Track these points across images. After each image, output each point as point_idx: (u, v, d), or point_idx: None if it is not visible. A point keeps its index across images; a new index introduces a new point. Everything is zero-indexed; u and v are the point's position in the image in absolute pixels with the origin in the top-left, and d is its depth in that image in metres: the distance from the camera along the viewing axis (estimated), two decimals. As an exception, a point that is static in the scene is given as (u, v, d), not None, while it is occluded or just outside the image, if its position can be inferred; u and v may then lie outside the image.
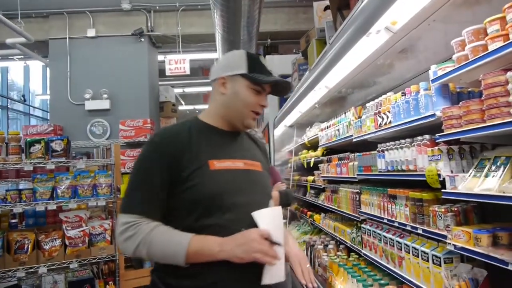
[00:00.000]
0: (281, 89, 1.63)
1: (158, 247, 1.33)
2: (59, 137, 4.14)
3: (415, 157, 2.03)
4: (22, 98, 11.89)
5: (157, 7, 6.68)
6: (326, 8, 4.07)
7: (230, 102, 1.54)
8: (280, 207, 1.49)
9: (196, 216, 1.39)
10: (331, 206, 3.62)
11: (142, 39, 6.84)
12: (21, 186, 5.14)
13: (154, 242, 1.33)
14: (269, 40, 7.29)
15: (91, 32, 6.78)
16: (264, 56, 7.07)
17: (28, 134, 4.92)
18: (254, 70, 1.53)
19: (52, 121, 6.54)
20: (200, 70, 10.95)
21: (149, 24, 6.82)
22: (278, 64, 6.50)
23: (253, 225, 1.38)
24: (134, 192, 1.44)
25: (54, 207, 3.87)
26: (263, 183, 1.59)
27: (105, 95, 6.59)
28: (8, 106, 11.71)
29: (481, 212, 1.79)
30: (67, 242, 3.77)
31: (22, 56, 7.58)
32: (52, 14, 6.75)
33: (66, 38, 6.75)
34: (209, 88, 11.39)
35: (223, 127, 1.59)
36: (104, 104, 6.59)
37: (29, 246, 3.70)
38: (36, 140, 3.93)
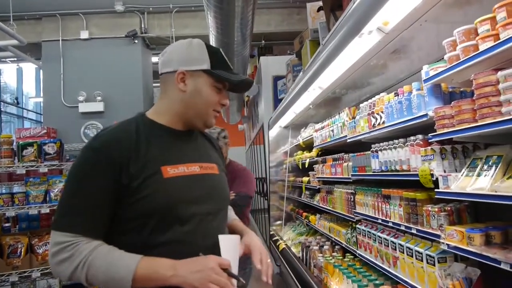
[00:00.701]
0: (243, 86, 1.48)
1: (100, 270, 1.15)
2: (52, 140, 4.12)
3: (409, 157, 2.03)
4: (15, 101, 11.82)
5: (151, 9, 6.67)
6: (319, 9, 4.08)
7: (190, 100, 1.36)
8: (239, 236, 1.38)
9: (149, 230, 1.23)
10: (326, 207, 3.62)
11: (136, 41, 6.82)
12: (14, 190, 5.10)
13: (95, 265, 1.15)
14: (263, 41, 7.29)
15: (84, 34, 6.76)
16: (259, 57, 7.08)
17: (21, 137, 4.90)
18: (217, 65, 1.37)
19: (45, 123, 6.51)
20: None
21: (142, 26, 6.80)
22: (272, 65, 6.50)
23: (213, 242, 1.27)
24: (70, 206, 1.22)
25: (48, 210, 3.85)
26: (221, 187, 1.46)
27: (99, 98, 6.57)
28: (1, 109, 11.63)
29: (474, 211, 1.80)
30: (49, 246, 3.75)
31: (15, 59, 7.54)
32: (45, 16, 6.72)
33: (59, 40, 6.72)
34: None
35: (176, 126, 1.41)
36: (98, 106, 6.56)
37: (22, 250, 3.68)
38: (28, 143, 3.91)
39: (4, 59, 7.72)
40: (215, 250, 1.24)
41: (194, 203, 1.30)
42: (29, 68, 11.68)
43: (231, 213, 1.63)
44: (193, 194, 1.31)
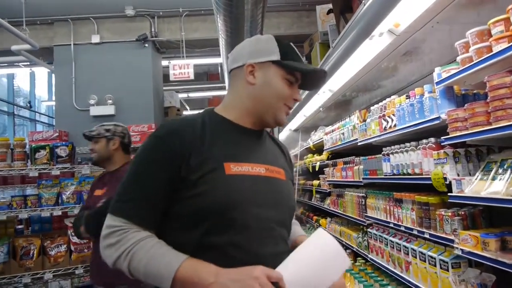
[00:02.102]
0: (315, 80, 1.36)
1: (142, 263, 1.09)
2: (63, 143, 4.16)
3: (421, 161, 2.00)
4: (28, 105, 11.96)
5: (161, 13, 6.70)
6: (329, 11, 4.07)
7: (261, 93, 1.27)
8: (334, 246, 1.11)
9: (203, 230, 1.14)
10: (336, 211, 3.59)
11: (146, 45, 6.86)
12: (26, 192, 5.16)
13: (138, 256, 1.09)
14: (273, 44, 7.28)
15: (95, 38, 6.81)
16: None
17: (33, 140, 4.94)
18: (287, 56, 1.27)
19: (57, 127, 6.56)
20: (204, 75, 10.97)
21: (153, 30, 6.83)
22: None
23: (273, 252, 1.16)
24: (127, 192, 1.18)
25: (60, 212, 3.88)
26: (287, 195, 1.32)
27: (110, 101, 6.61)
28: (15, 113, 11.79)
29: (489, 216, 1.77)
30: (72, 248, 3.77)
31: (28, 63, 7.62)
32: (57, 21, 6.78)
33: (71, 44, 6.78)
34: (214, 93, 11.43)
35: (244, 123, 1.31)
36: (109, 109, 6.60)
37: (35, 252, 3.71)
38: (41, 146, 3.95)
39: (17, 64, 7.80)
40: (275, 260, 1.10)
41: (256, 206, 1.18)
42: (42, 72, 11.81)
43: (296, 228, 1.46)
44: (256, 196, 1.20)
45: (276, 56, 1.26)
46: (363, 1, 2.13)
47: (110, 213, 1.17)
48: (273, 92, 1.26)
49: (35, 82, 13.18)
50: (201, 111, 1.35)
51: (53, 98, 7.42)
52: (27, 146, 4.07)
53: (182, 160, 1.15)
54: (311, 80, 1.34)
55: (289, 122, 5.49)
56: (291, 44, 1.32)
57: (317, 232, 1.13)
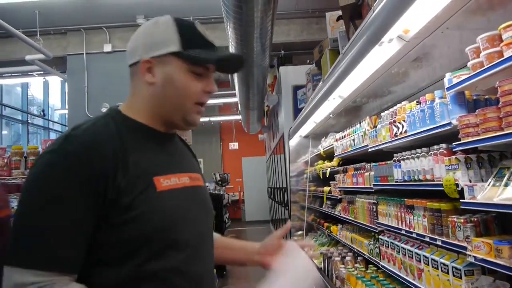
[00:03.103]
0: (231, 64, 1.20)
1: None
2: (76, 151, 4.21)
3: (432, 167, 1.99)
4: (42, 113, 12.17)
5: (172, 22, 6.80)
6: (338, 18, 4.07)
7: (163, 93, 1.06)
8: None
9: (143, 258, 0.95)
10: (347, 217, 3.57)
11: (157, 53, 6.96)
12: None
13: None
14: (282, 51, 7.31)
15: (107, 47, 6.93)
16: (278, 67, 7.09)
17: (47, 148, 5.01)
18: (191, 44, 1.06)
19: (70, 135, 6.67)
20: (215, 82, 11.02)
21: (164, 38, 6.94)
22: (292, 75, 6.51)
23: (209, 268, 1.10)
24: (39, 233, 0.88)
25: (72, 220, 3.92)
26: (209, 201, 1.20)
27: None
28: (28, 121, 11.99)
29: (502, 222, 1.74)
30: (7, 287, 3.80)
31: (42, 72, 7.77)
32: (70, 31, 6.92)
33: (83, 53, 6.91)
34: (225, 100, 11.49)
35: (156, 126, 1.10)
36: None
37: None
38: (54, 154, 4.00)
39: (31, 73, 7.96)
40: (209, 277, 1.07)
41: (191, 221, 1.05)
42: (55, 81, 12.02)
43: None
44: (189, 211, 1.07)
45: (176, 46, 1.04)
46: (373, 8, 2.13)
47: (16, 266, 0.86)
48: (177, 91, 1.06)
49: (48, 91, 13.41)
50: (103, 111, 1.19)
51: (66, 106, 7.54)
52: (41, 154, 4.12)
53: (106, 179, 0.93)
54: (228, 64, 1.18)
55: (299, 129, 5.49)
56: (196, 24, 1.12)
57: (289, 245, 1.14)
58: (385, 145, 2.54)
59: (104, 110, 6.83)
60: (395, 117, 2.43)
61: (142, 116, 1.09)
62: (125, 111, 1.10)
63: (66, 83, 7.38)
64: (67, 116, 7.59)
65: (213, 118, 13.37)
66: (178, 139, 1.24)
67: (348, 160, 3.73)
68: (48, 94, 13.59)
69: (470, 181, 1.70)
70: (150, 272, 0.95)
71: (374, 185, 2.82)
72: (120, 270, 0.94)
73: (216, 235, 1.31)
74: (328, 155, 4.57)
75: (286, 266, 1.11)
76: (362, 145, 3.05)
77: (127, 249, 0.95)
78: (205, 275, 1.07)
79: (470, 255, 1.63)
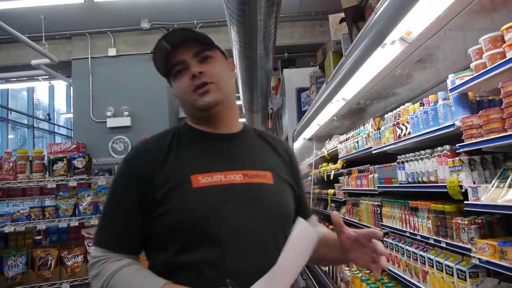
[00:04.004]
0: (186, 39, 1.21)
1: None
2: (80, 154, 4.23)
3: (436, 168, 1.98)
4: (47, 117, 12.24)
5: (175, 25, 6.81)
6: (341, 20, 4.07)
7: (180, 103, 1.26)
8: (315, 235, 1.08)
9: (176, 248, 1.08)
10: (352, 220, 3.56)
11: (161, 57, 6.98)
12: (45, 203, 5.25)
13: (117, 287, 1.06)
14: (286, 54, 7.31)
15: (112, 52, 6.95)
16: (282, 70, 7.10)
17: (52, 152, 5.05)
18: (155, 58, 1.23)
19: (75, 139, 6.69)
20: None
21: (168, 42, 6.96)
22: (295, 77, 6.51)
23: (253, 266, 1.05)
24: (103, 221, 1.18)
25: (77, 223, 3.94)
26: (272, 200, 1.18)
27: (126, 113, 6.71)
28: (34, 125, 12.06)
29: (507, 224, 1.73)
30: (89, 258, 3.82)
31: (47, 76, 7.82)
32: (74, 35, 6.95)
33: (88, 58, 6.94)
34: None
35: (206, 129, 1.24)
36: (125, 121, 6.70)
37: (52, 262, 3.77)
38: (58, 158, 4.03)
39: (36, 77, 8.01)
40: (253, 277, 1.02)
41: (229, 218, 1.09)
42: (60, 85, 12.10)
43: (319, 229, 1.36)
44: (229, 208, 1.10)
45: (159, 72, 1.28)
46: (375, 10, 2.13)
47: (94, 244, 1.18)
48: (179, 96, 1.23)
49: (54, 95, 13.50)
50: (107, 115, 1.39)
51: (71, 110, 7.58)
52: (45, 158, 4.15)
53: (147, 180, 1.12)
54: (185, 41, 1.21)
55: (303, 132, 5.49)
56: (164, 36, 1.20)
57: (298, 222, 1.06)
58: (389, 147, 2.54)
59: (108, 114, 6.85)
60: (398, 119, 2.43)
61: (193, 123, 1.27)
62: (188, 119, 1.29)
63: (71, 87, 7.42)
64: (72, 120, 7.63)
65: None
66: (257, 139, 1.32)
67: (352, 162, 3.73)
68: (54, 98, 13.69)
69: (474, 183, 1.69)
70: (183, 262, 1.07)
71: (378, 187, 2.81)
72: (162, 258, 1.11)
73: (322, 231, 1.34)
74: (332, 158, 4.56)
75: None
76: (366, 147, 3.05)
77: (164, 239, 1.10)
78: (246, 273, 1.04)
79: (474, 257, 1.62)
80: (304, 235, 1.05)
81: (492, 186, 1.57)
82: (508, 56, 1.39)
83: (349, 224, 3.77)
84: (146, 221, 1.12)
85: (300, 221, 1.05)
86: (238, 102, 8.55)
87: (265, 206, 1.16)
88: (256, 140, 1.32)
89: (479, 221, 1.70)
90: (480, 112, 1.59)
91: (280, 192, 1.22)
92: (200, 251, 1.06)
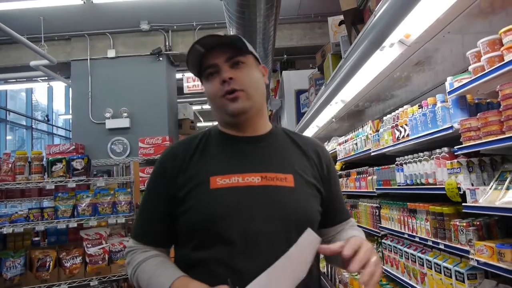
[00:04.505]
0: (228, 46, 1.21)
1: (144, 282, 1.16)
2: (79, 156, 4.22)
3: (434, 170, 1.99)
4: (46, 118, 12.23)
5: (175, 27, 6.82)
6: (341, 23, 4.08)
7: (210, 106, 1.29)
8: (319, 240, 1.04)
9: (193, 245, 1.16)
10: (350, 221, 3.57)
11: (161, 58, 6.97)
12: (43, 205, 5.25)
13: (141, 276, 1.17)
14: (285, 56, 7.33)
15: (111, 53, 6.96)
16: (281, 72, 7.11)
17: (51, 153, 5.05)
18: (188, 60, 1.24)
19: (74, 140, 6.69)
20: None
21: (167, 44, 6.95)
22: (294, 79, 6.52)
23: (266, 267, 1.01)
24: (137, 215, 1.31)
25: (75, 224, 3.92)
26: (290, 203, 1.17)
27: (125, 114, 6.71)
28: (33, 126, 12.05)
29: (505, 226, 1.74)
30: (87, 260, 3.81)
31: (46, 78, 7.81)
32: (74, 37, 6.96)
33: (87, 59, 6.94)
34: (227, 105, 11.53)
35: (233, 132, 1.28)
36: (124, 122, 6.70)
37: (51, 263, 3.75)
38: (57, 159, 4.01)
39: (35, 79, 8.01)
40: None
41: (243, 220, 1.12)
42: (59, 86, 12.09)
43: (350, 232, 1.33)
44: (244, 209, 1.13)
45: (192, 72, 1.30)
46: (374, 13, 2.14)
47: (130, 236, 1.32)
48: (209, 99, 1.27)
49: (53, 96, 13.49)
50: (106, 116, 1.45)
51: (70, 111, 7.58)
52: (44, 159, 4.14)
53: (172, 179, 1.21)
54: (224, 48, 1.21)
55: (302, 133, 5.49)
56: (197, 41, 1.21)
57: (306, 232, 1.03)
58: (387, 149, 2.54)
59: (107, 115, 6.85)
60: (397, 121, 2.44)
61: (221, 126, 1.32)
62: (218, 123, 1.34)
63: (70, 89, 7.42)
64: (71, 121, 7.62)
65: (216, 123, 13.37)
66: (286, 140, 1.32)
67: (351, 164, 3.74)
68: (52, 100, 13.67)
69: (472, 185, 1.70)
70: (198, 258, 1.14)
71: (376, 189, 2.82)
72: (182, 253, 1.20)
73: (347, 233, 1.30)
74: (331, 159, 4.57)
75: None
76: (365, 149, 3.06)
77: (184, 236, 1.19)
78: (254, 274, 1.02)
79: (473, 259, 1.63)
80: (308, 244, 1.04)
81: (490, 188, 1.58)
82: (506, 59, 1.40)
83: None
84: (173, 218, 1.21)
85: (307, 231, 1.04)
86: (237, 104, 8.55)
87: (282, 209, 1.16)
88: (283, 142, 1.31)
89: (477, 223, 1.70)
90: (478, 114, 1.60)
91: (300, 196, 1.21)
92: (213, 249, 1.12)
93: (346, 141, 3.67)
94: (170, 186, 1.20)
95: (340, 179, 3.88)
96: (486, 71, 1.51)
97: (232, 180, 1.16)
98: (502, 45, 1.46)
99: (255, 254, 1.09)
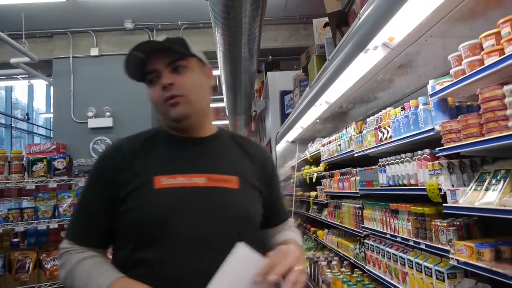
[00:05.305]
0: (167, 51, 1.19)
1: (80, 284, 1.10)
2: (61, 155, 4.17)
3: (416, 172, 2.02)
4: (26, 117, 11.99)
5: (159, 26, 6.77)
6: (325, 25, 4.12)
7: (153, 108, 1.28)
8: (261, 260, 1.05)
9: (132, 246, 1.13)
10: (334, 222, 3.60)
11: (145, 57, 6.93)
12: (23, 205, 5.15)
13: (77, 277, 1.11)
14: (270, 57, 7.35)
15: (94, 51, 6.87)
16: (266, 73, 7.13)
17: (31, 152, 4.95)
18: (128, 66, 1.22)
19: (55, 139, 6.58)
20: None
21: (151, 43, 6.91)
22: (279, 80, 6.55)
23: (210, 269, 1.02)
24: (74, 214, 1.26)
25: (56, 225, 3.87)
26: (234, 205, 1.20)
27: (108, 113, 6.64)
28: (12, 125, 11.80)
29: (484, 226, 1.78)
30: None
31: (26, 75, 7.67)
32: (56, 34, 6.85)
33: (69, 57, 6.84)
34: (212, 105, 11.51)
35: (177, 133, 1.27)
36: (107, 122, 6.63)
37: (31, 265, 3.69)
38: (38, 159, 3.95)
39: (15, 76, 7.85)
40: (202, 278, 1.02)
41: (187, 220, 1.12)
42: (40, 84, 11.87)
43: (285, 233, 1.37)
44: (188, 210, 1.13)
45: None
46: (358, 15, 2.17)
47: (64, 236, 1.23)
48: (152, 105, 1.25)
49: (33, 94, 13.23)
50: (89, 115, 1.43)
51: (51, 110, 7.46)
52: (24, 159, 4.07)
53: (113, 177, 1.17)
54: (167, 53, 1.20)
55: (286, 134, 5.52)
56: (137, 45, 1.19)
57: (237, 247, 1.05)
58: (370, 150, 2.58)
59: (90, 114, 6.75)
60: (380, 123, 2.47)
61: (166, 126, 1.29)
62: None
63: (52, 87, 7.30)
64: (52, 120, 7.50)
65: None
66: (231, 143, 1.34)
67: (334, 165, 3.77)
68: (33, 98, 13.42)
69: (453, 186, 1.74)
70: (138, 259, 1.11)
71: (359, 189, 2.85)
72: (121, 254, 1.16)
73: (284, 234, 1.35)
74: (315, 160, 4.60)
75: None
76: (348, 150, 3.09)
77: (124, 236, 1.16)
78: (200, 275, 1.04)
79: (452, 258, 1.66)
80: (241, 260, 1.04)
81: (470, 189, 1.62)
82: (486, 63, 1.44)
83: (331, 226, 3.80)
84: (112, 218, 1.17)
85: (238, 246, 1.04)
86: (222, 104, 8.54)
87: (226, 210, 1.18)
88: (228, 144, 1.33)
89: (457, 223, 1.74)
90: (459, 117, 1.64)
91: (244, 198, 1.24)
92: (154, 249, 1.10)
93: (330, 142, 3.70)
94: (110, 184, 1.16)
95: (324, 180, 3.91)
96: (467, 74, 1.54)
97: (177, 181, 1.16)
98: (482, 49, 1.50)
99: (197, 255, 1.10)
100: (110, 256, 1.24)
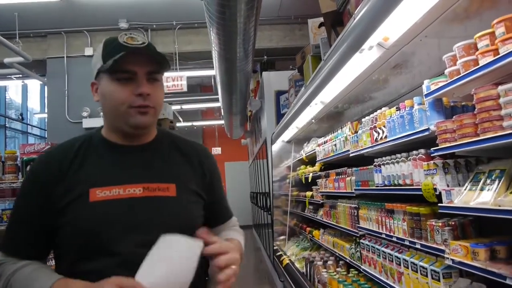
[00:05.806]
0: (153, 60, 1.18)
1: None
2: (56, 155, 4.14)
3: (411, 172, 2.03)
4: (20, 117, 11.91)
5: (154, 26, 6.76)
6: (320, 25, 4.12)
7: (104, 107, 1.21)
8: (198, 244, 1.07)
9: (72, 258, 1.12)
10: (329, 222, 3.60)
11: (140, 57, 6.90)
12: (17, 206, 5.10)
13: (16, 286, 1.09)
14: (265, 57, 7.35)
15: (88, 51, 6.84)
16: (261, 73, 7.13)
17: (25, 152, 4.91)
18: (110, 55, 1.14)
19: (49, 139, 6.55)
20: (197, 87, 11.02)
21: (146, 42, 6.89)
22: (274, 80, 6.55)
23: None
24: (7, 226, 1.20)
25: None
26: (172, 213, 1.19)
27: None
28: (6, 125, 11.73)
29: (479, 226, 1.79)
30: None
31: (20, 75, 7.63)
32: (50, 34, 6.82)
33: (64, 57, 6.81)
34: (207, 105, 11.49)
35: (118, 140, 1.23)
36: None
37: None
38: (32, 159, 3.92)
39: (9, 76, 7.81)
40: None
41: (124, 232, 1.11)
42: (34, 84, 11.81)
43: (230, 233, 1.38)
44: (125, 222, 1.12)
45: (100, 63, 1.18)
46: (353, 15, 2.17)
47: None
48: (109, 101, 1.17)
49: (27, 94, 13.16)
50: (83, 115, 1.37)
51: (46, 110, 7.41)
52: (19, 159, 4.04)
53: (48, 189, 1.13)
54: (152, 61, 1.18)
55: (281, 134, 5.52)
56: (121, 36, 1.19)
57: (162, 237, 1.05)
58: (366, 150, 2.58)
59: (84, 114, 6.72)
60: (375, 123, 2.48)
61: (106, 131, 1.26)
62: (102, 129, 1.27)
63: (46, 87, 7.26)
64: (46, 120, 7.46)
65: (195, 123, 13.31)
66: (170, 149, 1.30)
67: (330, 165, 3.77)
68: (27, 98, 13.34)
69: (448, 186, 1.74)
70: (79, 271, 1.09)
71: (355, 189, 2.85)
72: (62, 266, 1.15)
73: (227, 234, 1.35)
74: (311, 160, 4.61)
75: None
76: (344, 150, 3.09)
77: (62, 249, 1.15)
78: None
79: (448, 258, 1.67)
80: (170, 243, 1.04)
81: (465, 189, 1.62)
82: (481, 63, 1.44)
83: (327, 226, 3.81)
84: (48, 230, 1.14)
85: (163, 237, 1.05)
86: (217, 104, 8.53)
87: (164, 219, 1.16)
88: (167, 150, 1.30)
89: (453, 223, 1.74)
90: (454, 117, 1.64)
91: (183, 205, 1.22)
92: (96, 262, 1.09)
93: (325, 142, 3.70)
94: (45, 196, 1.13)
95: (320, 180, 3.92)
96: (462, 74, 1.55)
97: (112, 192, 1.14)
98: (477, 49, 1.50)
99: (136, 266, 1.04)
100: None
